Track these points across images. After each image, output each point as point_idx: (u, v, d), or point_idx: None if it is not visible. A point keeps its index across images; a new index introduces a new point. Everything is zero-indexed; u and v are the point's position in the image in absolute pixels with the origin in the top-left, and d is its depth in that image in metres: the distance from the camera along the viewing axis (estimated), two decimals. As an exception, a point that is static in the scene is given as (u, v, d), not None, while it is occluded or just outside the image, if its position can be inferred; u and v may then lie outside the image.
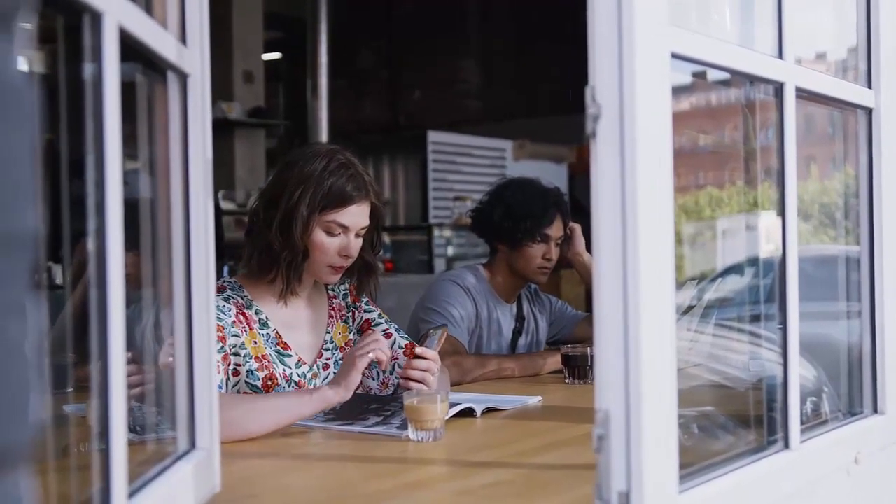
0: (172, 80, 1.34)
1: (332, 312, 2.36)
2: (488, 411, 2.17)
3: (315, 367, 2.27)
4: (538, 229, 2.98)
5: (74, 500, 1.11)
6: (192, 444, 1.37)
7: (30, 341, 0.60)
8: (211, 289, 1.40)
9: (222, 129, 7.07)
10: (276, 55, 9.65)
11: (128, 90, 1.08)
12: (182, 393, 1.36)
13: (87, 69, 1.01)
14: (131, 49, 1.11)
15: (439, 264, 7.45)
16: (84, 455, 1.27)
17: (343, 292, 2.41)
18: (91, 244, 1.01)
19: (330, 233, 2.17)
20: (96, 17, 1.00)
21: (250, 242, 2.22)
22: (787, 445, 1.52)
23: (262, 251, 2.19)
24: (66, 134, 1.05)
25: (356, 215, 2.18)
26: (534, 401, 2.34)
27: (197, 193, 1.37)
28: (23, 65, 0.62)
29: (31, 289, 0.61)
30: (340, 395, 1.96)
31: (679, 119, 1.25)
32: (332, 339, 2.33)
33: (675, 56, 1.24)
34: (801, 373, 1.60)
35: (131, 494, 1.08)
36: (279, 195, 2.16)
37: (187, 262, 1.36)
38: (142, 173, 1.37)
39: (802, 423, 1.56)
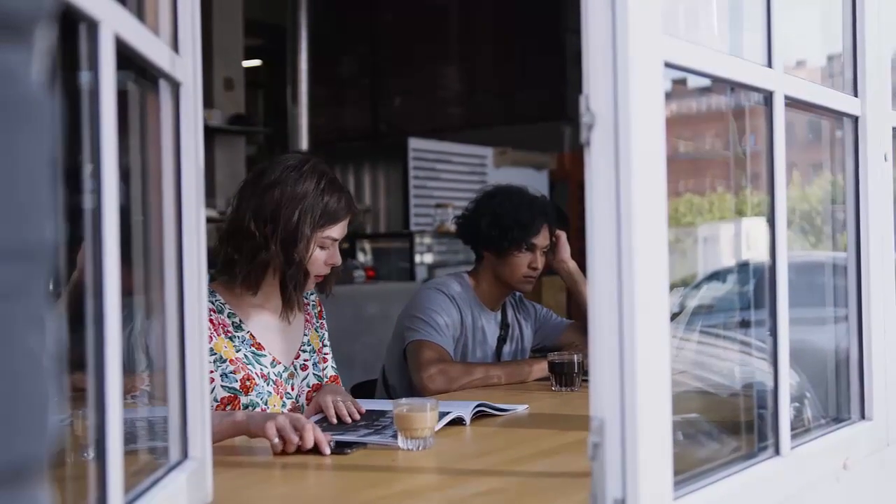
0: (164, 88, 1.33)
1: (308, 318, 2.44)
2: (479, 415, 2.17)
3: (292, 368, 2.33)
4: (525, 239, 2.98)
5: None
6: (185, 455, 1.36)
7: (48, 353, 0.60)
8: (203, 298, 1.40)
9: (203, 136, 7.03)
10: (256, 62, 9.63)
11: (119, 98, 1.07)
12: (174, 403, 1.36)
13: (83, 77, 1.01)
14: (124, 57, 1.11)
15: (421, 272, 7.43)
16: (76, 465, 1.26)
17: (312, 303, 2.48)
18: (87, 253, 1.00)
19: (322, 247, 2.27)
20: (93, 26, 0.99)
21: (244, 259, 2.22)
22: (777, 451, 1.52)
23: (259, 268, 2.23)
24: (61, 141, 1.04)
25: (344, 227, 2.31)
26: (522, 409, 2.35)
27: (189, 202, 1.36)
28: (40, 76, 0.62)
29: (49, 300, 0.61)
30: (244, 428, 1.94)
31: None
32: (308, 341, 2.40)
33: (668, 65, 1.25)
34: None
35: (127, 505, 1.07)
36: (275, 214, 2.20)
37: (179, 270, 1.36)
38: (133, 181, 1.36)
39: (791, 429, 1.56)
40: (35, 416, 0.59)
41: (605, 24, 1.16)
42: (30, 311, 0.59)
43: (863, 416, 1.83)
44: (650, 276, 1.18)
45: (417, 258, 7.54)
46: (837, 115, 1.84)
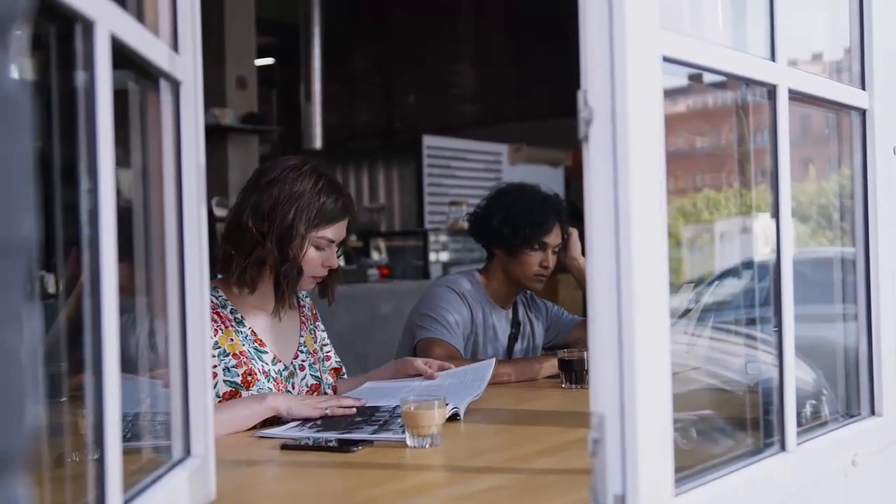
0: (164, 87, 1.34)
1: (304, 319, 2.47)
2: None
3: (292, 367, 2.37)
4: (537, 237, 2.97)
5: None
6: (188, 452, 1.37)
7: (26, 348, 0.61)
8: (205, 296, 1.40)
9: (215, 136, 7.06)
10: (269, 60, 9.64)
11: (119, 97, 1.08)
12: (177, 400, 1.36)
13: (79, 77, 1.01)
14: (123, 56, 1.11)
15: (435, 270, 7.43)
16: (78, 464, 1.26)
17: (307, 305, 2.52)
18: (84, 252, 1.00)
19: (318, 247, 2.30)
20: (88, 25, 1.00)
21: (240, 255, 2.26)
22: (783, 447, 1.51)
23: (254, 264, 2.26)
24: (58, 141, 1.05)
25: (341, 229, 2.34)
26: (488, 363, 2.43)
27: (190, 201, 1.37)
28: (17, 73, 0.62)
29: (27, 296, 0.61)
30: (283, 409, 2.10)
31: (675, 121, 1.25)
32: (304, 342, 2.44)
33: (666, 59, 1.24)
34: (799, 376, 1.60)
35: (126, 502, 1.08)
36: (272, 211, 2.25)
37: (181, 269, 1.36)
38: (134, 181, 1.36)
39: (801, 425, 1.55)
40: (12, 410, 0.59)
41: (601, 18, 1.16)
42: (7, 307, 0.59)
43: (872, 412, 1.82)
44: (649, 271, 1.18)
45: (432, 256, 7.54)
46: (844, 109, 1.83)
